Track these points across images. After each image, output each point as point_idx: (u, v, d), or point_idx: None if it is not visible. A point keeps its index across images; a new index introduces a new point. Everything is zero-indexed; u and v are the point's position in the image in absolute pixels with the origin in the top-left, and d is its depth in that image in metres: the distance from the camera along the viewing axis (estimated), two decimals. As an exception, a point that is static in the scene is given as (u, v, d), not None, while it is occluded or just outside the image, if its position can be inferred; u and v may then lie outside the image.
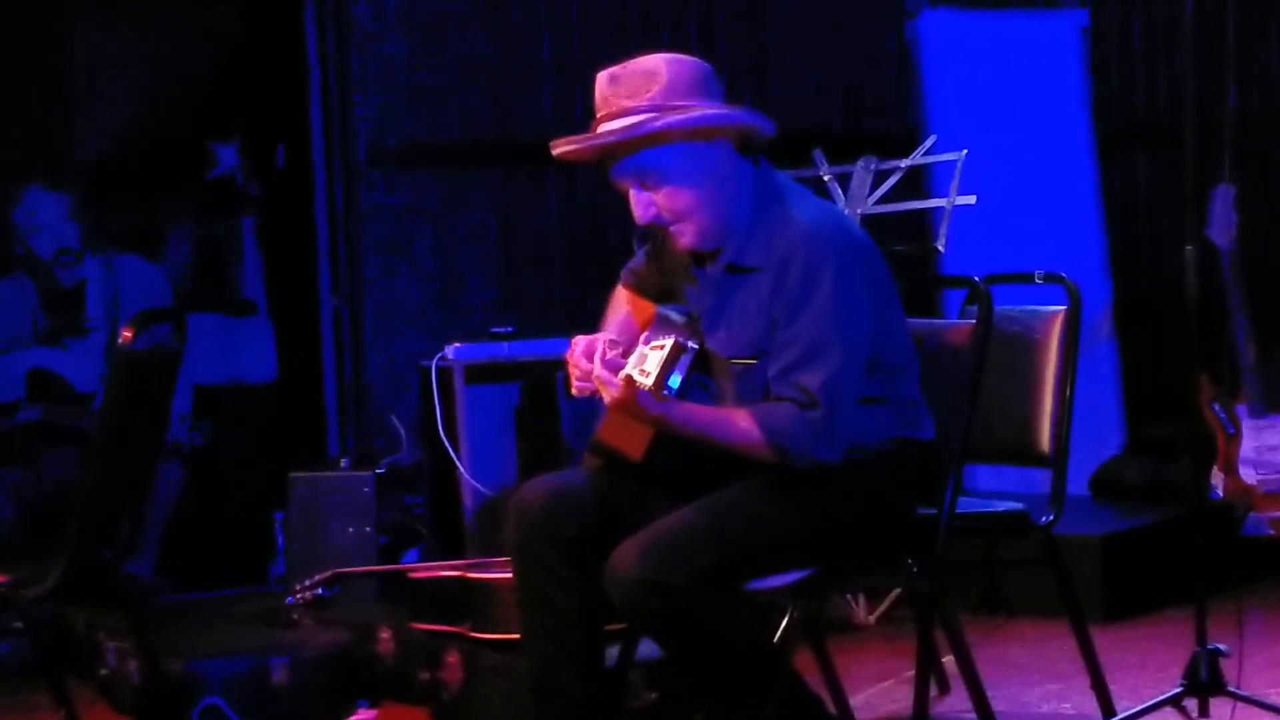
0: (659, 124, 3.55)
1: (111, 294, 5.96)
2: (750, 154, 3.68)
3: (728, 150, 3.63)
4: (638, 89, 3.57)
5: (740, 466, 3.58)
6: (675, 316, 3.65)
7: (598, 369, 3.53)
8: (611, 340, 3.60)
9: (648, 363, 3.47)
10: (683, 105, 3.56)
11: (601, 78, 3.63)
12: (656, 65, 3.60)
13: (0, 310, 5.98)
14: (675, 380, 3.47)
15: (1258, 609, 5.48)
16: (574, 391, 3.66)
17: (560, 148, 3.66)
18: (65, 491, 5.54)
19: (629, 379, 3.46)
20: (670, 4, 6.69)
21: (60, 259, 5.93)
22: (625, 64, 3.63)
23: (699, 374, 3.69)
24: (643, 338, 3.62)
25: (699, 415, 3.60)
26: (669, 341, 3.46)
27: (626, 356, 3.53)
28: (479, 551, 5.26)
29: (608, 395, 3.53)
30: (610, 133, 3.58)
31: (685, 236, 3.66)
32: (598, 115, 3.62)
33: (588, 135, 3.63)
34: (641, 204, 3.63)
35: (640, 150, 3.57)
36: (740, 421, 3.56)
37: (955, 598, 4.43)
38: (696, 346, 3.54)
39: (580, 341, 3.64)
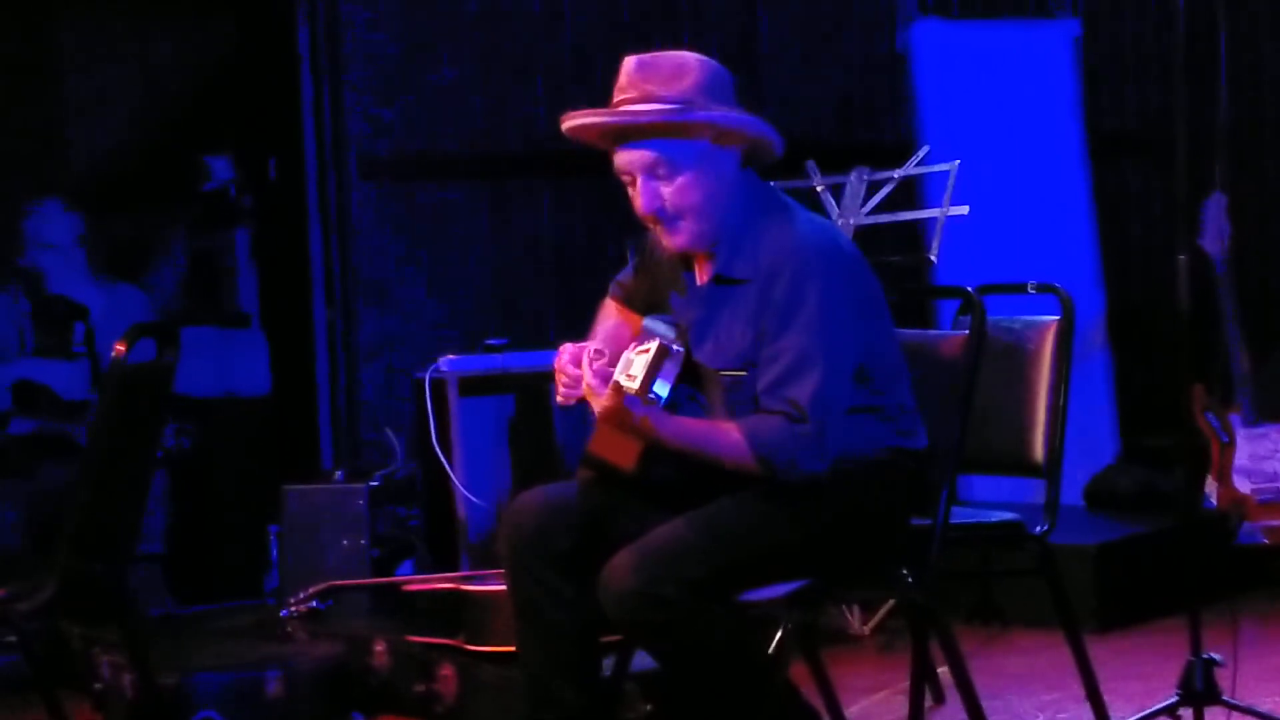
0: (699, 115, 3.53)
1: (102, 318, 5.95)
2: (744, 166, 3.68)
3: (735, 159, 3.63)
4: (670, 79, 3.56)
5: (733, 477, 3.58)
6: (662, 328, 3.65)
7: (588, 376, 3.54)
8: (597, 349, 3.59)
9: (633, 367, 3.48)
10: (715, 105, 3.56)
11: (629, 61, 3.60)
12: (688, 60, 3.60)
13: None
14: (663, 388, 3.47)
15: (1252, 618, 5.47)
16: (559, 399, 3.66)
17: (576, 119, 3.62)
18: (62, 502, 5.53)
19: (616, 384, 3.46)
20: (662, 16, 6.69)
21: (56, 273, 5.92)
22: (655, 54, 3.61)
23: (690, 388, 3.69)
24: (630, 347, 3.62)
25: (686, 428, 3.59)
26: (654, 345, 3.47)
27: (614, 365, 3.53)
28: (473, 564, 5.26)
29: (596, 405, 3.54)
30: (644, 111, 3.55)
31: (680, 235, 3.64)
32: (618, 97, 3.60)
33: (612, 109, 3.60)
34: (648, 193, 3.60)
35: (665, 137, 3.56)
36: (729, 434, 3.55)
37: (950, 608, 4.43)
38: (682, 350, 3.54)
39: (568, 349, 3.64)
